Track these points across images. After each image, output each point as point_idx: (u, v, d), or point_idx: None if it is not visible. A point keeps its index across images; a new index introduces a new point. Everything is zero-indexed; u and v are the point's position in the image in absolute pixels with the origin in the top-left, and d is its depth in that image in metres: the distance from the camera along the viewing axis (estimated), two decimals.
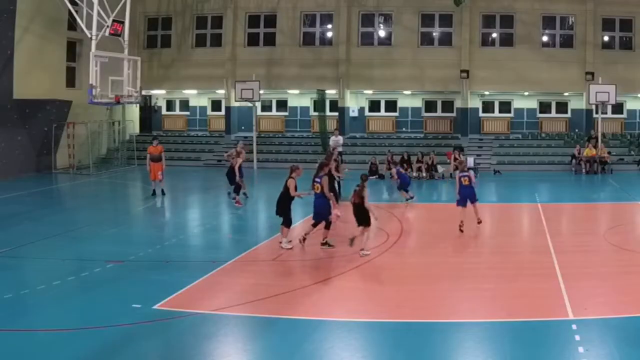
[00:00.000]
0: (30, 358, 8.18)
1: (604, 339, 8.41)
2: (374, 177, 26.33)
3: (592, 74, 30.23)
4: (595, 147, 28.05)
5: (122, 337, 8.80)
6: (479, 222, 15.49)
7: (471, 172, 16.29)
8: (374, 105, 34.77)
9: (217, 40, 34.35)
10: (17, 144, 27.43)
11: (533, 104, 33.41)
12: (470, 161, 27.65)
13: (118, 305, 10.05)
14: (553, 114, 33.44)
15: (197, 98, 36.27)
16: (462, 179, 15.47)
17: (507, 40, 32.15)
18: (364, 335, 8.96)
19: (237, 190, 19.71)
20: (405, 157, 27.57)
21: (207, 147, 33.65)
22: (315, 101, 33.80)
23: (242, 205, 19.31)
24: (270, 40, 33.80)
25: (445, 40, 32.62)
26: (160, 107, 36.89)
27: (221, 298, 10.50)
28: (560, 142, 31.18)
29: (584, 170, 27.77)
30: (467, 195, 15.42)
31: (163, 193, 21.75)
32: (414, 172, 26.86)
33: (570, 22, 31.84)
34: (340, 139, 27.91)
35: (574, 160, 28.43)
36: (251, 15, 34.00)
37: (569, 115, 33.04)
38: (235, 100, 31.97)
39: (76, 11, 24.21)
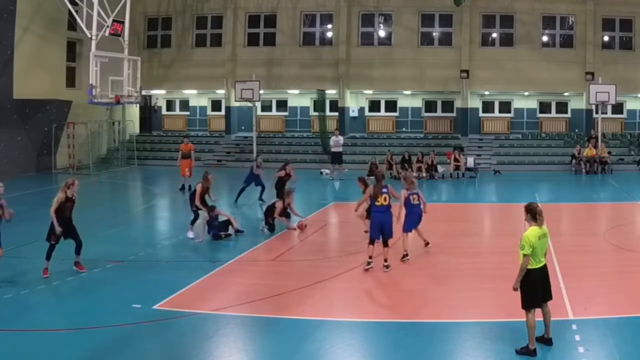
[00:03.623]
0: (30, 358, 8.18)
1: (604, 339, 8.41)
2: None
3: (592, 74, 30.23)
4: (595, 147, 28.05)
5: (122, 337, 8.80)
6: (427, 244, 13.76)
7: (420, 192, 13.84)
8: (374, 105, 34.77)
9: (217, 40, 34.37)
10: (17, 144, 27.44)
11: (533, 104, 33.42)
12: (471, 161, 27.68)
13: (118, 305, 10.05)
14: (553, 114, 33.44)
15: (197, 98, 36.28)
16: (411, 197, 13.30)
17: (507, 40, 32.16)
18: (364, 335, 8.97)
19: None
20: (406, 157, 27.57)
21: (207, 147, 33.65)
22: (315, 101, 33.79)
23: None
24: (270, 40, 33.81)
25: (445, 40, 32.63)
26: (160, 107, 36.91)
27: (221, 298, 10.50)
28: (560, 142, 31.18)
29: (584, 170, 27.76)
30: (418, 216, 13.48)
31: (190, 189, 22.00)
32: (414, 172, 26.84)
33: (570, 22, 31.84)
34: (341, 139, 27.90)
35: (574, 160, 28.42)
36: (251, 15, 34.02)
37: (569, 115, 33.05)
38: (235, 100, 31.96)
39: (76, 11, 24.22)
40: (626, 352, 7.93)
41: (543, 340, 8.17)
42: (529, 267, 7.87)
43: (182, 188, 22.58)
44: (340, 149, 27.57)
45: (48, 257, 11.69)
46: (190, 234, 14.91)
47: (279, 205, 15.60)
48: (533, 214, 8.12)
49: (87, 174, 28.58)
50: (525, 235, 7.95)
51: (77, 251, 11.99)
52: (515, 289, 7.96)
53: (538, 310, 8.08)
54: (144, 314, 9.64)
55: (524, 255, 7.85)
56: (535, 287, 7.92)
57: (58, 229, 11.61)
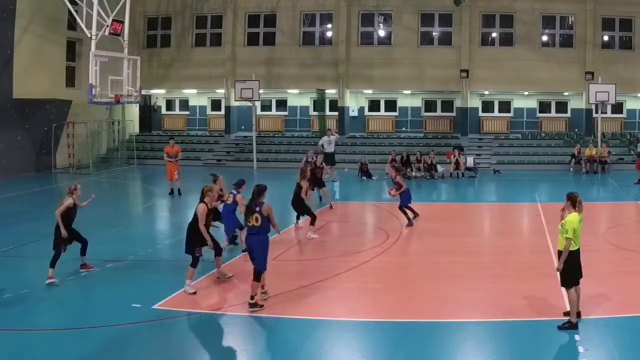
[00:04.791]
0: (30, 358, 8.18)
1: (604, 339, 8.42)
2: (365, 177, 26.57)
3: (592, 74, 30.22)
4: (595, 146, 28.08)
5: (122, 337, 8.81)
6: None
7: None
8: (374, 105, 34.76)
9: (217, 40, 34.36)
10: (17, 144, 27.43)
11: (533, 104, 33.41)
12: (470, 161, 27.68)
13: (118, 305, 10.06)
14: (553, 113, 33.44)
15: (197, 98, 36.27)
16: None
17: (507, 40, 32.15)
18: (364, 335, 8.97)
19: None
20: (404, 157, 27.53)
21: (207, 147, 33.67)
22: (315, 101, 33.80)
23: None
24: (270, 40, 33.80)
25: (445, 40, 32.61)
26: (160, 107, 36.90)
27: (221, 298, 10.51)
28: (560, 142, 31.20)
29: (584, 170, 27.76)
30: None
31: (180, 193, 21.75)
32: (414, 172, 26.87)
33: (570, 22, 31.84)
34: (333, 139, 26.89)
35: (573, 160, 28.40)
36: (251, 15, 34.01)
37: (569, 115, 33.05)
38: (235, 100, 31.96)
39: (76, 11, 24.23)
40: (626, 352, 7.94)
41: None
42: (570, 249, 8.72)
43: (171, 193, 21.91)
44: (333, 150, 26.59)
45: (53, 265, 11.33)
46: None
47: (305, 185, 15.29)
48: (574, 202, 9.00)
49: (87, 174, 28.58)
50: (568, 221, 8.78)
51: (83, 252, 11.99)
52: (559, 270, 8.86)
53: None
54: (144, 314, 9.64)
55: (567, 238, 8.68)
56: (576, 268, 8.82)
57: (64, 233, 11.44)
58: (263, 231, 10.08)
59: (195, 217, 10.83)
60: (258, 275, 9.94)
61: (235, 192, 12.93)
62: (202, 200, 11.01)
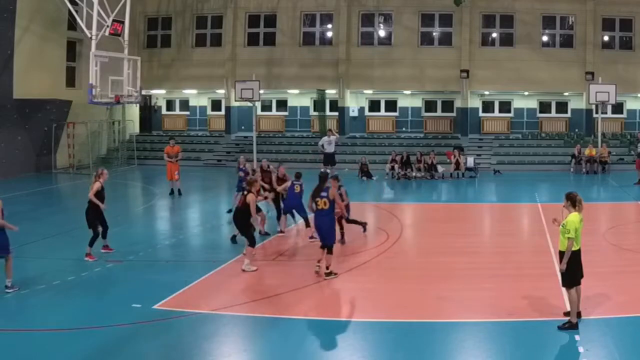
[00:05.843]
0: (30, 358, 8.18)
1: (604, 339, 8.42)
2: (365, 177, 26.54)
3: (592, 73, 30.22)
4: (595, 146, 28.08)
5: (122, 337, 8.80)
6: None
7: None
8: (374, 105, 34.76)
9: (217, 40, 34.37)
10: (17, 144, 27.43)
11: (533, 103, 33.42)
12: (471, 161, 27.67)
13: (118, 305, 10.06)
14: (553, 113, 33.45)
15: (197, 98, 36.28)
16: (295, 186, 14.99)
17: (507, 40, 32.16)
18: (364, 335, 8.96)
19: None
20: (405, 157, 27.50)
21: (207, 147, 33.68)
22: (315, 101, 33.81)
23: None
24: (270, 40, 33.80)
25: (445, 40, 32.62)
26: (160, 107, 36.90)
27: (221, 298, 10.51)
28: (560, 142, 31.20)
29: (584, 170, 27.76)
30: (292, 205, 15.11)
31: (180, 193, 21.78)
32: (414, 172, 26.86)
33: (570, 22, 31.84)
34: (332, 138, 27.02)
35: (573, 160, 28.39)
36: (251, 15, 34.01)
37: (569, 115, 33.06)
38: (235, 100, 31.91)
39: (76, 11, 24.23)
40: (626, 352, 7.94)
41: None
42: (572, 249, 8.66)
43: (172, 193, 21.96)
44: (333, 150, 26.81)
45: (91, 244, 12.80)
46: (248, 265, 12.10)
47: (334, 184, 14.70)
48: (573, 201, 8.95)
49: (87, 174, 28.52)
50: (570, 221, 8.70)
51: (104, 235, 13.27)
52: (562, 270, 8.80)
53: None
54: (144, 314, 9.64)
55: (569, 238, 8.62)
56: (577, 267, 8.78)
57: (103, 206, 12.86)
58: (330, 212, 11.64)
59: (244, 206, 12.04)
60: (330, 249, 11.53)
61: (298, 182, 14.98)
62: (249, 191, 12.17)
